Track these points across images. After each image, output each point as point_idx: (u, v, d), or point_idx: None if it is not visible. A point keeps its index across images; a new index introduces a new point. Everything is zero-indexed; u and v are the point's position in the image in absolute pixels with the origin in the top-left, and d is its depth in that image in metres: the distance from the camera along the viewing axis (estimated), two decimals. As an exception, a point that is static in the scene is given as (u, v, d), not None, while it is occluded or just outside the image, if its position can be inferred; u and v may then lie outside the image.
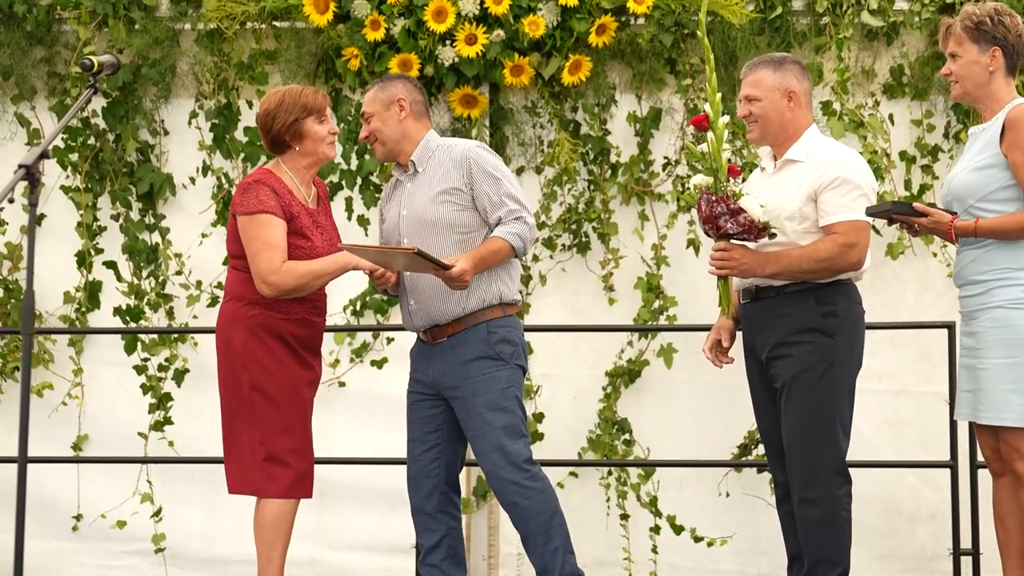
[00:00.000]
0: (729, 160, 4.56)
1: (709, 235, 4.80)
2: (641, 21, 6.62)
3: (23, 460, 3.51)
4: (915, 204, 4.67)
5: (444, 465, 4.90)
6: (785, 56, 4.98)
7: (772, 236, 4.73)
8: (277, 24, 6.75)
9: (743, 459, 6.56)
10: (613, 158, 6.74)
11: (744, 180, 4.91)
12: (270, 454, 4.76)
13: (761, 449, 6.44)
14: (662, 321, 6.63)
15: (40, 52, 6.90)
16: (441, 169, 4.87)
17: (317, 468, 5.02)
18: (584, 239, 6.73)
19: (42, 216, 6.89)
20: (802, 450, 4.75)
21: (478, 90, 6.65)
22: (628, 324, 6.65)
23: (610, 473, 6.61)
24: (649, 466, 6.55)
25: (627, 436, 6.64)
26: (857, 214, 4.75)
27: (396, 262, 4.72)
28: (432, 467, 4.89)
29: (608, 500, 6.62)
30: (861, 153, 6.12)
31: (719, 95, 4.74)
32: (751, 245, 4.80)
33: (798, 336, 4.77)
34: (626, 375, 6.66)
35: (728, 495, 6.59)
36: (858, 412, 4.90)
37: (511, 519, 4.82)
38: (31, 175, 3.78)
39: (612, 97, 6.73)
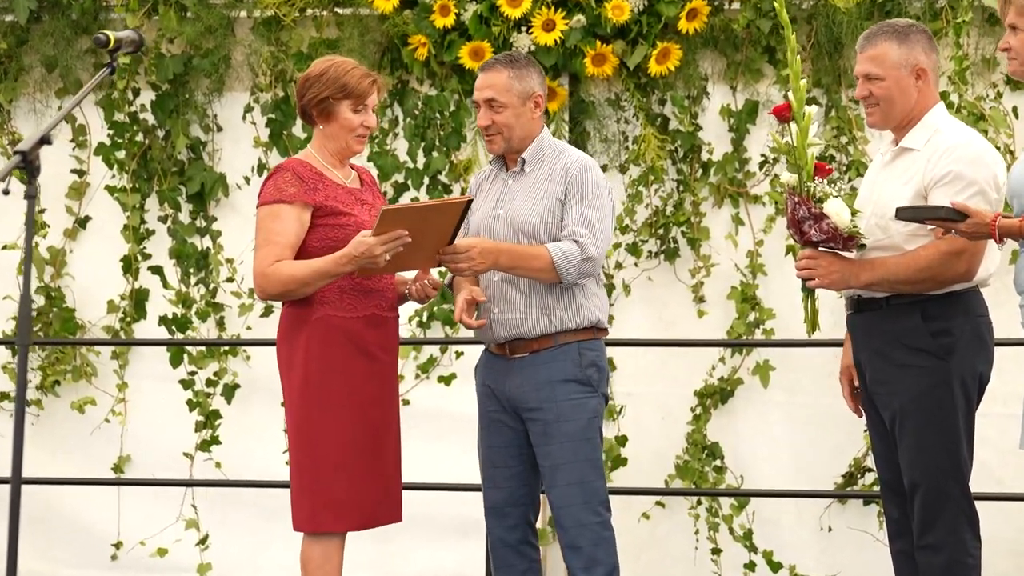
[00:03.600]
0: (824, 156, 4.14)
1: (796, 241, 4.39)
2: (736, 5, 6.36)
3: (16, 481, 3.18)
4: (954, 203, 4.01)
5: (529, 493, 4.62)
6: (911, 24, 4.40)
7: (861, 247, 4.29)
8: (339, 11, 6.54)
9: (848, 490, 6.24)
10: (704, 156, 6.44)
11: (838, 180, 4.40)
12: (322, 482, 4.39)
13: (868, 478, 6.21)
14: (758, 335, 6.36)
15: (86, 43, 6.66)
16: (551, 175, 4.58)
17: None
18: (672, 245, 6.45)
19: (86, 218, 6.76)
20: (921, 490, 4.28)
21: (556, 81, 6.37)
22: (720, 338, 6.38)
23: (700, 503, 6.35)
24: (743, 496, 6.29)
25: (718, 462, 6.36)
26: None
27: (428, 223, 4.30)
28: (519, 495, 4.60)
29: (697, 532, 6.34)
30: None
31: (803, 81, 4.31)
32: (851, 253, 4.34)
33: (905, 358, 4.28)
34: (718, 394, 6.38)
35: (831, 529, 6.29)
36: (980, 439, 4.43)
37: (568, 563, 4.52)
38: (29, 163, 3.38)
39: (704, 89, 6.44)
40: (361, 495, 4.41)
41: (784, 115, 4.31)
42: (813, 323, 4.42)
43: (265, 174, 4.21)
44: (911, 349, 4.25)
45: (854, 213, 4.26)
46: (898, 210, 4.07)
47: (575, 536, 4.46)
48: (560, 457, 4.47)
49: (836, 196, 4.26)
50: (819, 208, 4.22)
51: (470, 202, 4.33)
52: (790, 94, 4.30)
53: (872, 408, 4.44)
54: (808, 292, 4.40)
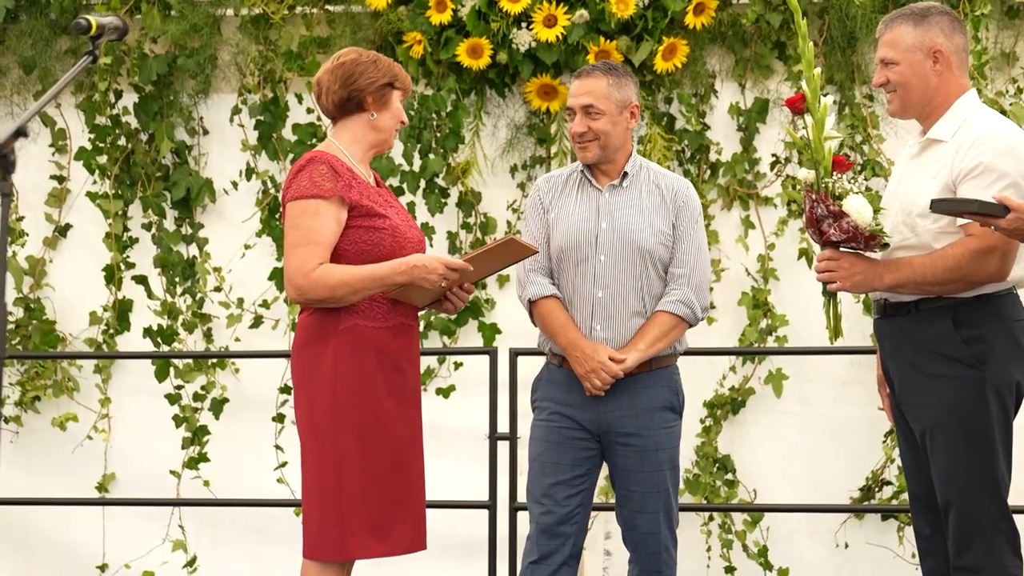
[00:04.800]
0: (842, 151, 3.91)
1: (815, 241, 4.19)
2: (745, 0, 6.21)
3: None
4: (997, 196, 3.80)
5: (585, 514, 4.52)
6: (930, 6, 4.21)
7: (884, 247, 4.08)
8: (330, 8, 6.40)
9: (865, 504, 6.08)
10: (713, 156, 6.30)
11: (855, 177, 4.21)
12: (350, 508, 4.08)
13: (886, 492, 6.08)
14: (770, 343, 6.22)
15: (65, 43, 6.50)
16: (654, 194, 4.56)
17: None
18: (680, 249, 6.21)
19: (67, 226, 6.56)
20: (955, 508, 4.06)
21: (558, 79, 6.23)
22: (731, 346, 6.24)
23: (712, 518, 6.22)
24: (756, 511, 6.15)
25: (730, 476, 6.24)
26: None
27: (490, 264, 4.28)
28: (575, 515, 4.49)
29: (709, 550, 6.21)
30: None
31: (817, 70, 4.10)
32: (875, 253, 4.13)
33: (936, 367, 4.05)
34: (728, 405, 6.25)
35: (847, 546, 6.16)
36: (1018, 451, 4.20)
37: None
38: (3, 158, 3.08)
39: (711, 86, 6.31)
40: (390, 521, 4.14)
41: (798, 107, 4.12)
42: (836, 329, 4.21)
43: (283, 168, 3.90)
44: (942, 357, 4.04)
45: (876, 210, 4.05)
46: (933, 202, 3.87)
47: (659, 562, 4.49)
48: (655, 485, 4.46)
49: (856, 192, 4.06)
50: (838, 205, 4.03)
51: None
52: (803, 84, 4.11)
53: (902, 419, 4.23)
54: (829, 296, 4.20)
